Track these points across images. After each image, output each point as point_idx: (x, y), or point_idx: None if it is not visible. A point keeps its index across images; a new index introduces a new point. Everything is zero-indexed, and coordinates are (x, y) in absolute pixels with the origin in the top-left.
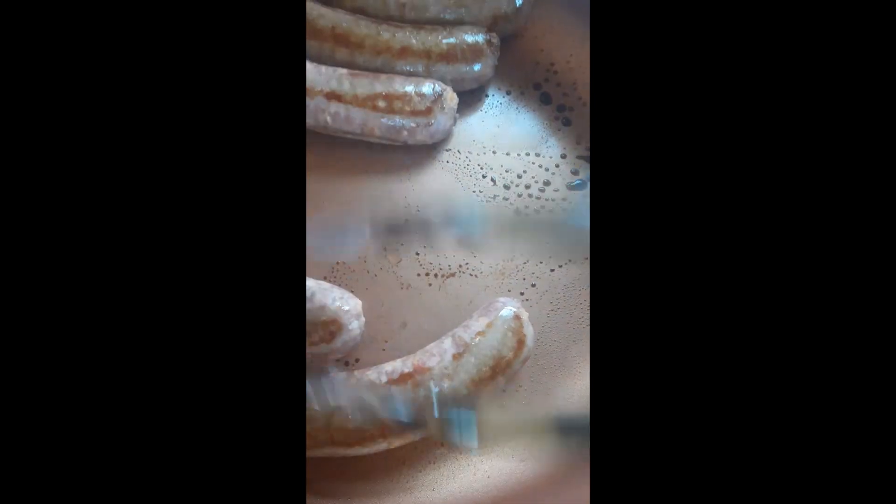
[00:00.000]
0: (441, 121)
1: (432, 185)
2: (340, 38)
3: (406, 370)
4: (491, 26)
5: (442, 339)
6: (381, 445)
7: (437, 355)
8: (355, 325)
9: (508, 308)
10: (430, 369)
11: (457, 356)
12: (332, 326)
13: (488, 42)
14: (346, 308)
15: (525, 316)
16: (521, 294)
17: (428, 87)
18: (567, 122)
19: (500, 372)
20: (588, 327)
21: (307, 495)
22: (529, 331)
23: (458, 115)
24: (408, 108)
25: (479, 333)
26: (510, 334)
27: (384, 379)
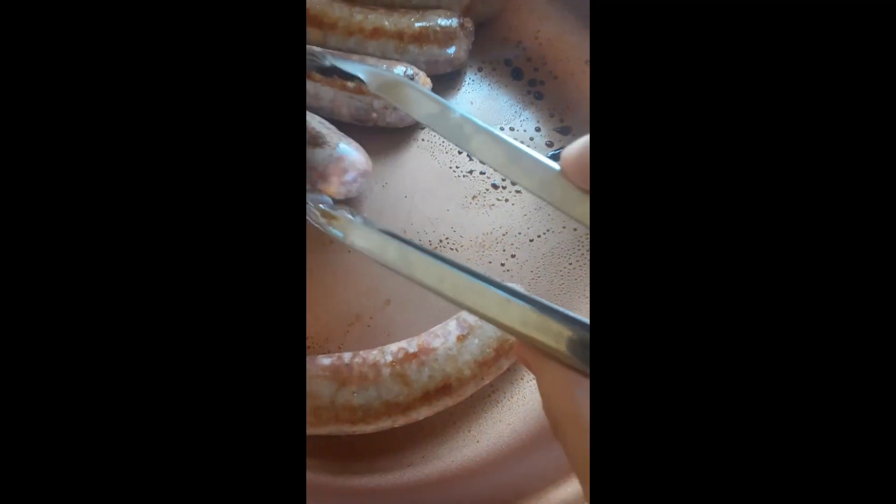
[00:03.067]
0: None
1: (409, 163)
2: (314, 20)
3: (411, 350)
4: (466, 11)
5: (447, 322)
6: (386, 423)
7: (441, 336)
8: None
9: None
10: (434, 350)
11: (461, 338)
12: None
13: (461, 26)
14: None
15: None
16: (502, 265)
17: (399, 70)
18: (539, 96)
19: (504, 354)
20: (566, 293)
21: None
22: None
23: None
24: None
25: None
26: None
27: (389, 359)
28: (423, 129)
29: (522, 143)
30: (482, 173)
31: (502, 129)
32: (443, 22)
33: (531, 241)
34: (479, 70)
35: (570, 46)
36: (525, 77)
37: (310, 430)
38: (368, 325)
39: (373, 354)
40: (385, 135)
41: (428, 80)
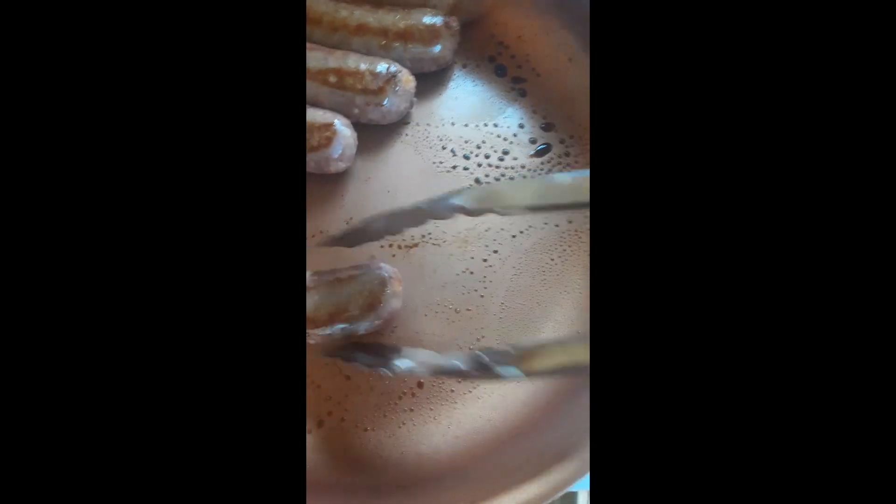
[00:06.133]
0: (394, 102)
1: (391, 158)
2: None
3: None
4: (452, 10)
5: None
6: None
7: None
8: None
9: (382, 271)
10: None
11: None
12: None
13: (446, 25)
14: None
15: (396, 287)
16: (485, 261)
17: (382, 66)
18: (523, 94)
19: (337, 320)
20: (548, 288)
21: None
22: (393, 302)
23: (416, 98)
24: (359, 86)
25: (337, 279)
26: (366, 294)
27: None
28: (406, 124)
29: (506, 139)
30: (465, 169)
31: (486, 125)
32: (427, 20)
33: (514, 236)
34: (464, 67)
35: (552, 45)
36: (509, 74)
37: None
38: None
39: None
40: (368, 130)
41: (412, 79)
